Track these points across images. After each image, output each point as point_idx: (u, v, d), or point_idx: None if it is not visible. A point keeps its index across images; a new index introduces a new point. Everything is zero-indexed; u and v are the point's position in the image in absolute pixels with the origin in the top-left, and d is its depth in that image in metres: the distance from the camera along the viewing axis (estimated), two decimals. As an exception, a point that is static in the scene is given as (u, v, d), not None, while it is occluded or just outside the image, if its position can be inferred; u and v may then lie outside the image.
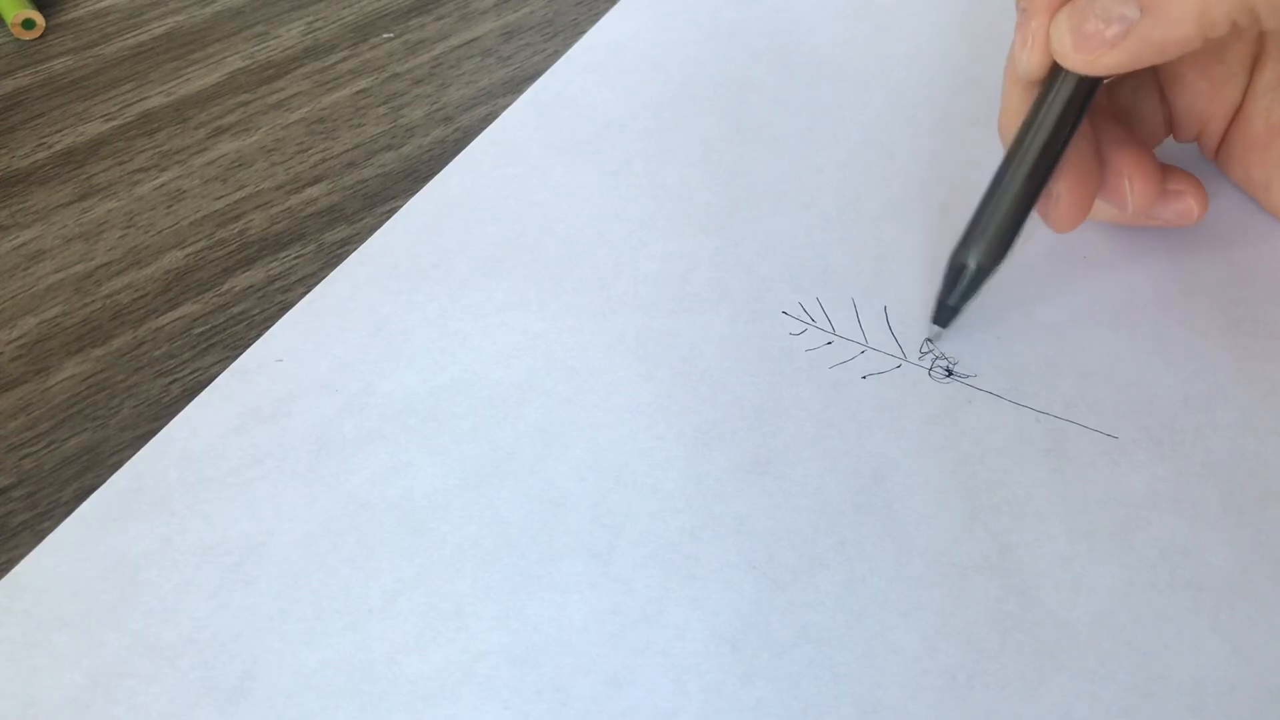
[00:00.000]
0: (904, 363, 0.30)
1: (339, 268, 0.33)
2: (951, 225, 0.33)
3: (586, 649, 0.25)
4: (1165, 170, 0.31)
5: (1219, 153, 0.33)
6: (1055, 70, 0.28)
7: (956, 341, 0.30)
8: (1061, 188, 0.29)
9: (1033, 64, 0.28)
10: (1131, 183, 0.30)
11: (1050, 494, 0.27)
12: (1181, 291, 0.31)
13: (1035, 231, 0.32)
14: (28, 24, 0.42)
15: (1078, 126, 0.28)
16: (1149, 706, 0.24)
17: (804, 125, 0.37)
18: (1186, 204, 0.31)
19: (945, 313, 0.30)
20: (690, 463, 0.28)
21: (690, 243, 0.33)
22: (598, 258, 0.33)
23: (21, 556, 0.27)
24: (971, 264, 0.29)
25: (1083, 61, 0.27)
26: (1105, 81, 0.29)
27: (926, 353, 0.30)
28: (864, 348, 0.31)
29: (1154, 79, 0.33)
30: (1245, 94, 0.31)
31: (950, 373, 0.30)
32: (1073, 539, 0.27)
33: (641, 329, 0.31)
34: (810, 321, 0.31)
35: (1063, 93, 0.28)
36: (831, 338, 0.31)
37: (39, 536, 0.28)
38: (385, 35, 0.41)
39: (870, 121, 0.37)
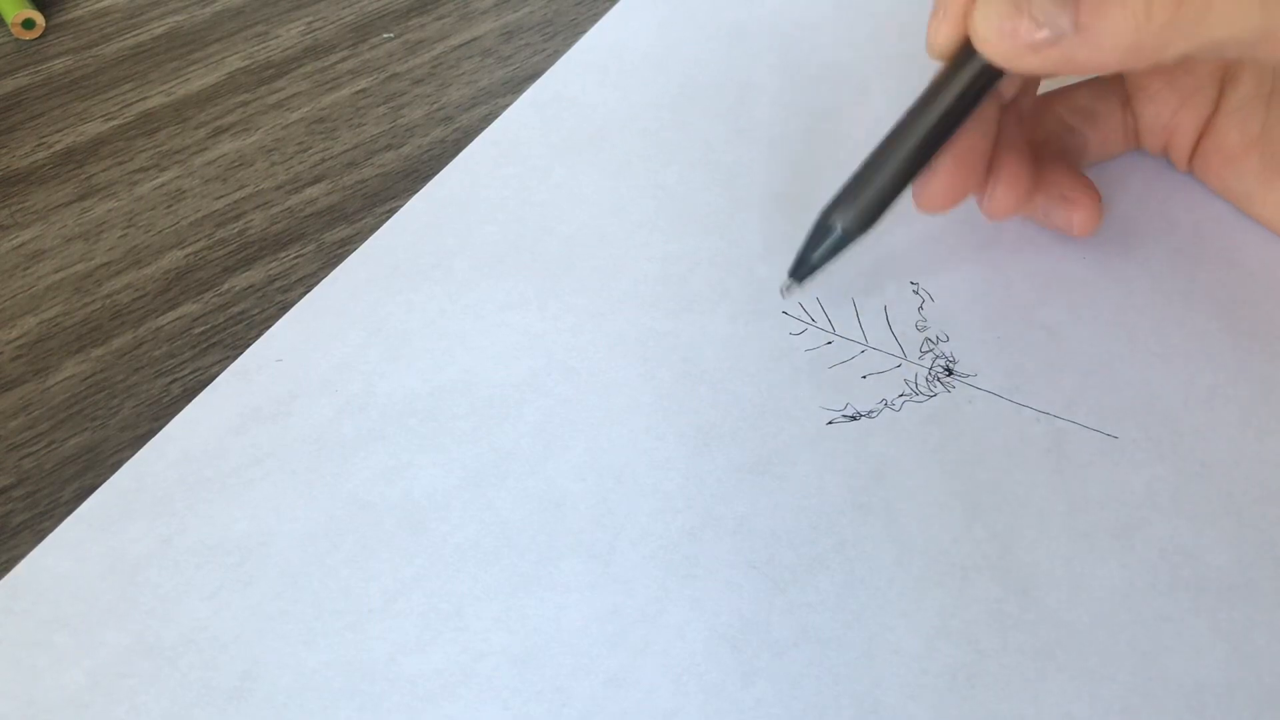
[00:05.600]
0: (904, 362, 0.30)
1: (339, 268, 0.33)
2: (952, 225, 0.33)
3: (586, 649, 0.25)
4: (1074, 179, 0.30)
5: (1192, 164, 0.33)
6: (965, 48, 0.27)
7: (956, 341, 0.30)
8: (940, 168, 0.28)
9: (940, 36, 0.27)
10: (995, 185, 0.29)
11: (1050, 494, 0.27)
12: (1181, 291, 0.31)
13: (1035, 232, 0.32)
14: (28, 24, 0.42)
15: (973, 110, 0.27)
16: (1149, 706, 0.24)
17: (804, 126, 0.37)
18: (1069, 217, 0.30)
19: (804, 268, 0.29)
20: (690, 463, 0.28)
21: (690, 243, 0.33)
22: (598, 258, 0.33)
23: (21, 556, 0.27)
24: (838, 227, 0.28)
25: (999, 55, 0.26)
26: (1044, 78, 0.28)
27: (926, 352, 0.30)
28: (864, 347, 0.31)
29: (1119, 87, 0.32)
30: (1216, 107, 0.31)
31: (950, 372, 0.30)
32: (1073, 539, 0.27)
33: (641, 329, 0.31)
34: (810, 321, 0.31)
35: (966, 74, 0.27)
36: (831, 338, 0.31)
37: (39, 536, 0.28)
38: (385, 35, 0.41)
39: (870, 121, 0.37)
